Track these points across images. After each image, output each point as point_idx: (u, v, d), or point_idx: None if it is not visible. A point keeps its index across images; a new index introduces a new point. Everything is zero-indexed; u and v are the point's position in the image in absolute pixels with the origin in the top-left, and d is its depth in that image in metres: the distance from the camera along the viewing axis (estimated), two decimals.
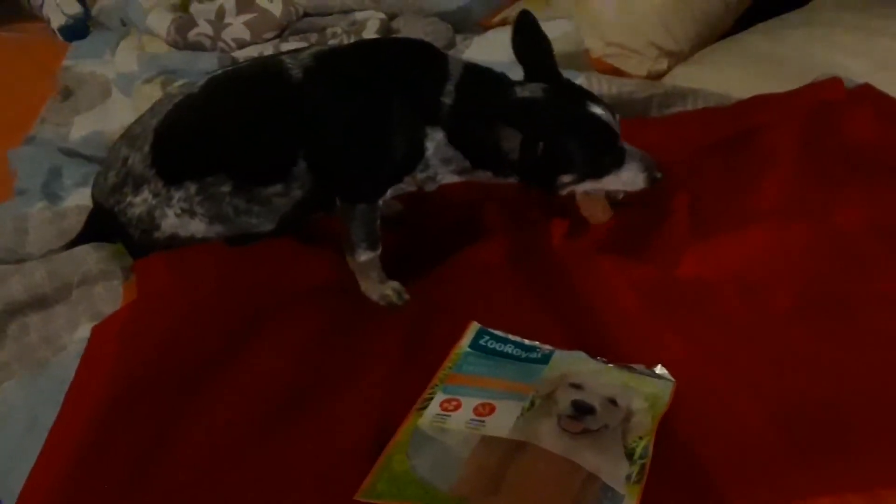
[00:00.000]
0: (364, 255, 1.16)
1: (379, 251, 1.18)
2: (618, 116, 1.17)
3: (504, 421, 0.84)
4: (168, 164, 1.17)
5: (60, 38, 2.34)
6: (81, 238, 1.25)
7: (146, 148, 1.18)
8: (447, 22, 2.24)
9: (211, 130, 1.18)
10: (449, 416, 0.86)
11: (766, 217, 1.23)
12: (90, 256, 1.21)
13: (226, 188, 1.16)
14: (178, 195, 1.17)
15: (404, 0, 2.25)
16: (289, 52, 1.25)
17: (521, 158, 1.09)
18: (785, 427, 0.86)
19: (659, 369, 0.94)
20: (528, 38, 1.22)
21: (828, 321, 1.02)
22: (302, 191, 1.18)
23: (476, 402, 0.87)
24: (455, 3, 2.34)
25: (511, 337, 0.99)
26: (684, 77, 1.97)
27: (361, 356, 0.98)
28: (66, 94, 1.92)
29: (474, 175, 1.19)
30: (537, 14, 2.46)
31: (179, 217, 1.17)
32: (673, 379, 0.93)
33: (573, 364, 0.93)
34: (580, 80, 1.75)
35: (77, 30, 2.34)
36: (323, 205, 1.20)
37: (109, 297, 1.15)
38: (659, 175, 1.18)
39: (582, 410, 0.85)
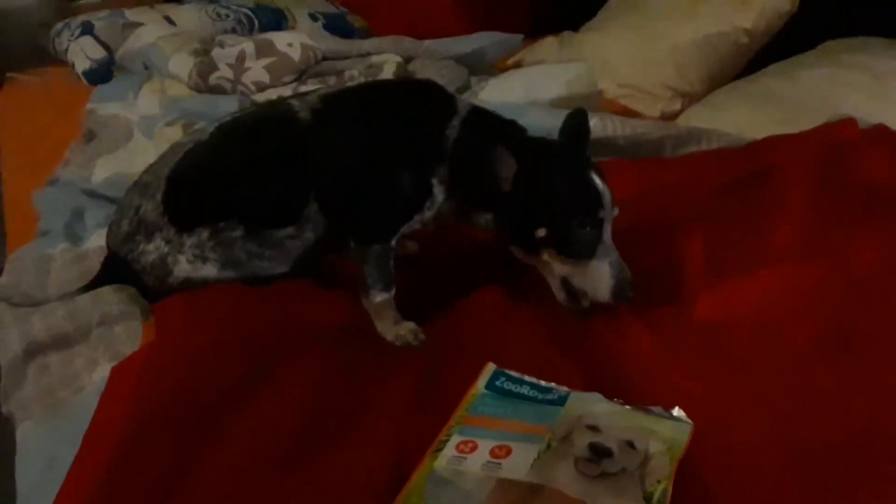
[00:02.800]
0: (379, 297, 1.17)
1: (393, 292, 1.19)
2: (616, 210, 1.14)
3: (521, 463, 0.83)
4: (179, 211, 1.19)
5: (85, 81, 2.40)
6: (98, 280, 1.26)
7: (158, 196, 1.20)
8: (462, 64, 2.29)
9: (221, 176, 1.20)
10: (465, 458, 0.85)
11: (781, 257, 1.23)
12: (111, 298, 1.22)
13: (237, 233, 1.18)
14: (189, 241, 1.19)
15: (420, 44, 2.30)
16: (297, 95, 1.28)
17: (511, 192, 1.09)
18: (802, 468, 0.86)
19: (676, 412, 0.94)
20: (575, 123, 1.25)
21: (843, 362, 1.02)
22: (314, 233, 1.19)
23: (492, 444, 0.87)
24: (469, 46, 2.39)
25: (527, 378, 0.98)
26: (698, 118, 1.99)
27: (376, 397, 0.98)
28: (90, 136, 1.95)
29: (475, 219, 1.20)
30: (551, 56, 2.51)
31: (192, 263, 1.19)
32: (690, 421, 0.92)
33: (590, 406, 0.93)
34: (594, 120, 1.77)
35: (101, 74, 2.40)
36: (336, 246, 1.21)
37: (129, 337, 1.16)
38: (630, 295, 1.09)
39: (599, 453, 0.84)
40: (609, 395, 0.96)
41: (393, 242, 1.18)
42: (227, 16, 2.60)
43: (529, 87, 2.00)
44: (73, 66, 2.46)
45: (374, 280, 1.16)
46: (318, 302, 1.19)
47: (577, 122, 1.25)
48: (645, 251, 1.27)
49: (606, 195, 1.12)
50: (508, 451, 0.85)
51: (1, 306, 1.27)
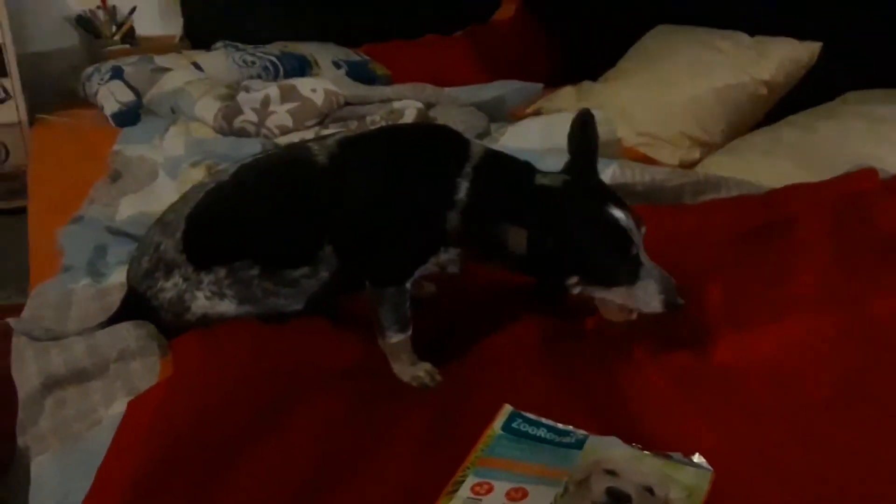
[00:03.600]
0: (395, 338, 1.17)
1: (409, 333, 1.18)
2: (643, 229, 1.14)
3: None
4: (198, 249, 1.21)
5: (112, 123, 2.45)
6: (118, 316, 1.27)
7: (178, 235, 1.22)
8: (482, 111, 2.31)
9: (238, 217, 1.22)
10: (480, 500, 0.84)
11: (801, 306, 1.22)
12: (130, 334, 1.23)
13: (254, 272, 1.19)
14: (207, 279, 1.20)
15: (440, 91, 2.34)
16: (316, 139, 1.30)
17: (529, 254, 1.08)
18: None
19: (697, 458, 0.92)
20: (583, 132, 1.22)
21: (862, 412, 1.00)
22: (329, 272, 1.20)
23: (508, 486, 0.85)
24: (490, 94, 2.43)
25: (544, 420, 0.97)
26: (717, 166, 1.99)
27: (388, 438, 0.98)
28: (115, 176, 1.99)
29: (489, 264, 1.20)
30: (569, 104, 2.53)
31: (210, 299, 1.20)
32: (711, 468, 0.90)
33: (608, 450, 0.91)
34: (612, 167, 1.79)
35: (129, 116, 2.44)
36: (352, 285, 1.21)
37: (146, 373, 1.16)
38: (680, 302, 1.10)
39: (617, 499, 0.83)
40: (627, 440, 0.95)
41: (408, 284, 1.18)
42: (254, 62, 2.66)
43: (547, 134, 2.02)
44: (102, 108, 2.51)
45: (390, 322, 1.16)
46: (333, 341, 1.19)
47: (582, 130, 1.21)
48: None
49: (632, 226, 1.11)
50: (525, 494, 0.84)
51: (21, 340, 1.28)
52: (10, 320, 1.30)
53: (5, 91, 2.70)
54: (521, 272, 1.17)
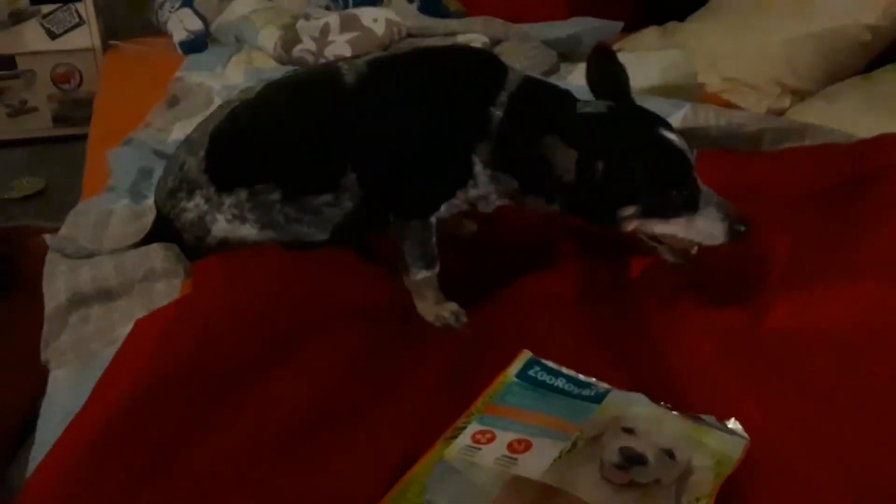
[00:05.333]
0: (420, 274, 1.10)
1: (436, 270, 1.11)
2: (695, 151, 1.04)
3: (539, 461, 0.74)
4: (220, 169, 1.15)
5: (180, 52, 2.44)
6: (150, 237, 1.24)
7: (201, 153, 1.17)
8: (558, 50, 2.18)
9: (261, 137, 1.16)
10: (480, 449, 0.77)
11: (877, 271, 1.07)
12: (158, 255, 1.20)
13: (275, 196, 1.13)
14: (228, 201, 1.15)
15: (511, 26, 2.21)
16: (347, 58, 1.21)
17: (578, 181, 0.98)
18: None
19: (732, 424, 0.82)
20: (604, 68, 1.12)
21: None
22: (353, 202, 1.13)
23: (512, 436, 0.78)
24: (565, 31, 2.29)
25: (564, 370, 0.89)
26: (806, 113, 1.82)
27: (400, 381, 0.92)
28: (173, 102, 1.97)
29: (525, 202, 1.10)
30: (653, 46, 2.37)
31: (230, 223, 1.15)
32: (747, 436, 0.80)
33: (630, 406, 0.82)
34: (684, 109, 1.64)
35: (196, 45, 2.43)
36: (378, 220, 1.14)
37: (168, 294, 1.13)
38: (742, 228, 1.00)
39: (631, 460, 0.74)
40: (656, 399, 0.86)
41: (433, 219, 1.10)
42: None
43: None
44: (171, 36, 2.50)
45: (415, 257, 1.09)
46: (357, 276, 1.13)
47: (606, 65, 1.11)
48: (720, 248, 1.15)
49: (685, 147, 1.02)
50: (528, 447, 0.77)
51: (54, 257, 1.27)
52: (46, 236, 1.30)
53: (79, 16, 2.72)
54: (562, 209, 1.07)
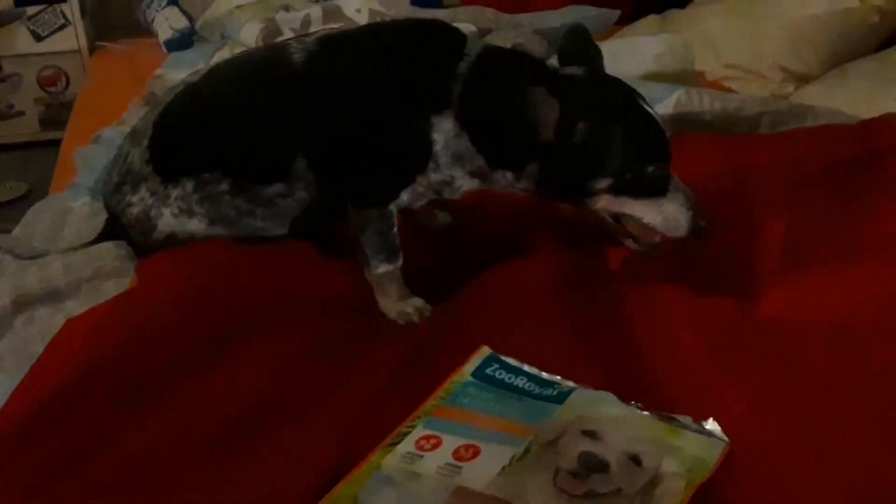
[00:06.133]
0: (381, 268, 1.02)
1: (399, 263, 1.03)
2: (669, 133, 0.98)
3: (486, 470, 0.66)
4: (164, 159, 1.08)
5: (165, 51, 2.38)
6: (101, 237, 1.17)
7: (145, 143, 1.09)
8: (551, 40, 2.10)
9: (205, 121, 1.08)
10: (422, 456, 0.69)
11: (879, 256, 0.98)
12: (108, 253, 1.13)
13: (224, 187, 1.05)
14: (175, 193, 1.07)
15: (502, 16, 2.14)
16: (298, 36, 1.13)
17: (556, 142, 0.90)
18: None
19: (710, 424, 0.73)
20: (577, 46, 1.06)
21: None
22: (307, 192, 1.05)
23: (460, 442, 0.69)
24: (559, 20, 2.20)
25: (526, 368, 0.80)
26: (808, 96, 1.72)
27: (346, 378, 0.83)
28: (150, 99, 1.91)
29: (492, 180, 1.01)
30: (648, 33, 2.27)
31: (177, 217, 1.07)
32: (726, 439, 0.72)
33: (595, 407, 0.74)
34: (677, 93, 1.56)
35: (181, 43, 2.37)
36: (337, 212, 1.05)
37: (117, 293, 1.07)
38: (702, 224, 0.97)
39: (590, 466, 0.65)
40: (628, 398, 0.77)
41: (393, 208, 1.02)
42: None
43: (612, 61, 1.78)
44: (157, 36, 2.45)
45: (375, 249, 1.01)
46: (313, 270, 1.05)
47: (579, 43, 1.06)
48: (711, 234, 1.06)
49: (663, 125, 0.96)
50: (476, 453, 0.68)
51: (5, 258, 1.20)
52: None
53: (65, 17, 2.68)
54: (531, 182, 0.98)
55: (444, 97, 0.97)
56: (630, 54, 1.82)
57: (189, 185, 1.06)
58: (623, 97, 0.97)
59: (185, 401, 0.80)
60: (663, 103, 1.54)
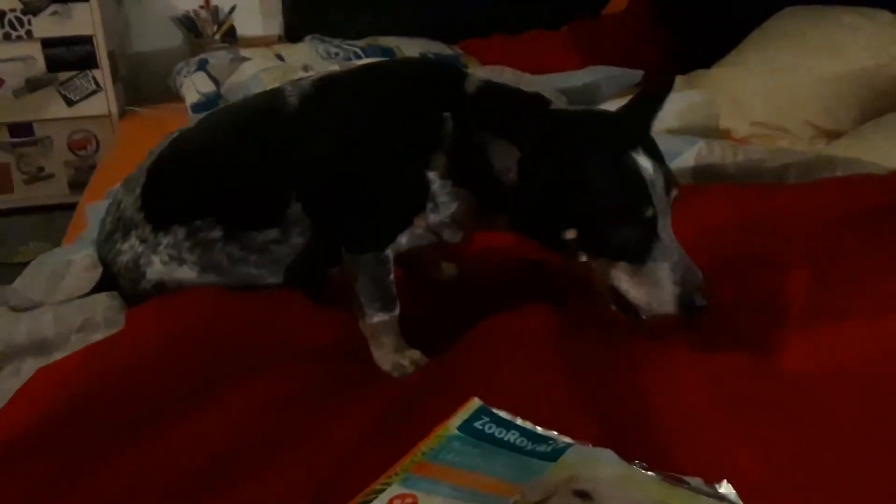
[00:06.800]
0: (376, 317, 0.97)
1: (395, 313, 0.98)
2: (674, 193, 0.87)
3: None
4: (156, 206, 1.06)
5: (192, 114, 2.41)
6: (97, 289, 1.15)
7: (138, 190, 1.08)
8: (575, 99, 2.07)
9: (197, 167, 1.07)
10: None
11: None
12: (100, 304, 1.11)
13: (216, 234, 1.03)
14: (165, 241, 1.05)
15: (523, 76, 2.13)
16: (294, 80, 1.12)
17: (520, 185, 0.85)
18: None
19: (723, 487, 0.65)
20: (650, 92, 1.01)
21: None
22: (303, 238, 1.01)
23: (436, 501, 0.63)
24: (581, 80, 2.19)
25: (519, 422, 0.73)
26: (836, 150, 1.65)
27: (323, 427, 0.77)
28: None
29: (492, 222, 0.96)
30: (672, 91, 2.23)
31: (166, 265, 1.05)
32: (741, 503, 0.64)
33: (592, 465, 0.66)
34: (698, 145, 1.51)
35: (207, 106, 2.40)
36: (333, 259, 1.01)
37: None
38: (702, 303, 0.83)
39: None
40: (631, 457, 0.69)
41: (389, 253, 0.97)
42: (337, 54, 2.56)
43: None
44: (185, 99, 2.49)
45: (370, 298, 0.96)
46: (306, 317, 1.00)
47: (654, 90, 0.99)
48: (729, 283, 0.99)
49: (658, 181, 0.84)
50: None
51: (1, 310, 1.18)
52: None
53: (96, 83, 2.74)
54: (514, 225, 0.93)
55: (439, 133, 0.93)
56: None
57: (181, 233, 1.03)
58: (609, 139, 0.88)
59: (156, 446, 0.75)
60: (683, 156, 1.49)
